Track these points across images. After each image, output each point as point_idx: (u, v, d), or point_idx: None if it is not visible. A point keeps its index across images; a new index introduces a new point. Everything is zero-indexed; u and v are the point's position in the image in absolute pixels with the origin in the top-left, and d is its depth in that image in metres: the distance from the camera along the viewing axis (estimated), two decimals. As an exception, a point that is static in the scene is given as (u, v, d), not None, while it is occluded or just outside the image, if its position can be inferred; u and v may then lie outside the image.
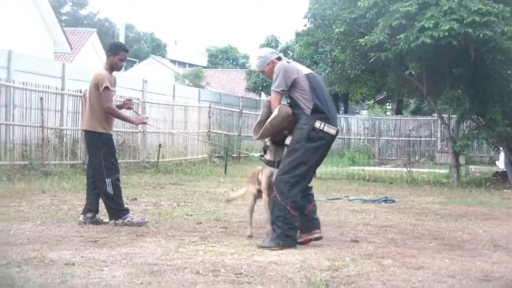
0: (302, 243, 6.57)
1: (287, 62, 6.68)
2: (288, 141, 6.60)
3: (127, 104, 8.18)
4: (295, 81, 6.46)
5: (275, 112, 6.41)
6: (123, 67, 8.09)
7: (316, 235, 6.65)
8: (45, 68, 17.50)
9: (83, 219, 7.72)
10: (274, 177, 6.63)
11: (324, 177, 16.50)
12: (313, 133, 6.37)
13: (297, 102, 6.47)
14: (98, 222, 7.72)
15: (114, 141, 8.36)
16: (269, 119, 6.45)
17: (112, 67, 7.86)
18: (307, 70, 6.68)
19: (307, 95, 6.42)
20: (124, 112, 8.31)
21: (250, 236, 6.96)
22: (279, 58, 6.76)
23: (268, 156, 6.79)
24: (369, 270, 5.44)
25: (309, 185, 6.71)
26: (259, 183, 6.93)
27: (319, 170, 16.88)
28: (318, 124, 6.36)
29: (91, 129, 7.78)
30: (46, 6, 26.26)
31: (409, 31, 14.69)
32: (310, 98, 6.41)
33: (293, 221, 6.41)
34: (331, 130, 6.42)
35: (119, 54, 7.82)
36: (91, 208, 7.78)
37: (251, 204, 7.14)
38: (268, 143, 6.76)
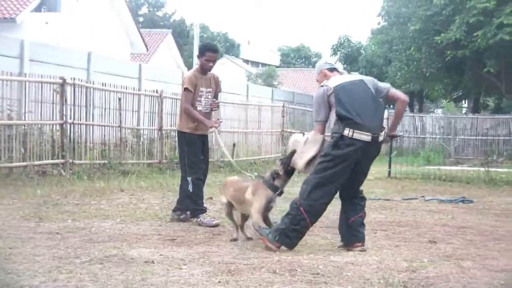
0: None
1: (338, 75, 6.55)
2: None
3: (212, 105, 8.23)
4: (329, 101, 6.30)
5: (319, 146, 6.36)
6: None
7: (357, 249, 6.29)
8: (123, 69, 17.94)
9: (174, 216, 8.01)
10: (273, 203, 6.58)
11: (399, 177, 16.28)
12: (341, 141, 6.12)
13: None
14: (185, 220, 7.93)
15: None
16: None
17: (202, 68, 7.99)
18: (338, 82, 6.39)
19: (336, 110, 6.22)
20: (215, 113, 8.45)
21: (235, 240, 6.75)
22: (331, 70, 6.67)
23: (276, 182, 6.59)
24: (448, 272, 5.35)
25: (360, 195, 6.48)
26: (232, 197, 6.87)
27: (394, 169, 16.71)
28: (347, 131, 6.09)
29: (178, 128, 8.14)
30: (124, 9, 26.97)
31: (487, 27, 14.38)
32: (337, 112, 6.21)
33: (302, 224, 6.14)
34: (363, 136, 6.10)
35: (205, 54, 7.91)
36: (180, 207, 8.02)
37: (227, 211, 6.99)
38: (281, 172, 6.60)
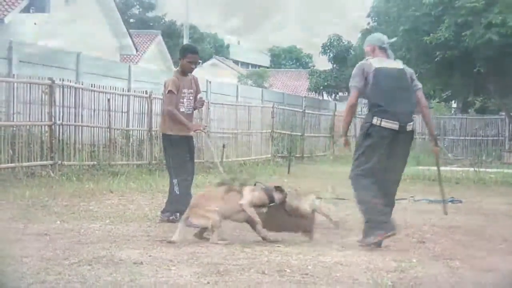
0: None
1: (385, 57, 6.68)
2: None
3: (198, 104, 8.26)
4: (367, 77, 6.47)
5: None
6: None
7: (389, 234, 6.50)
8: (112, 70, 17.89)
9: (163, 217, 7.99)
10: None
11: (388, 177, 16.28)
12: (371, 129, 6.35)
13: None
14: (175, 221, 7.88)
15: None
16: None
17: (184, 70, 8.00)
18: (381, 64, 6.52)
19: (369, 91, 6.44)
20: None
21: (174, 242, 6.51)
22: (381, 48, 6.73)
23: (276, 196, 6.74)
24: (437, 272, 5.36)
25: (392, 198, 6.65)
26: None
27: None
28: (375, 120, 6.32)
29: (162, 131, 8.14)
30: (113, 10, 26.88)
31: (476, 27, 14.40)
32: (369, 93, 6.45)
33: (373, 205, 6.33)
34: (389, 125, 6.30)
35: (187, 56, 7.95)
36: (169, 208, 8.02)
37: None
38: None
